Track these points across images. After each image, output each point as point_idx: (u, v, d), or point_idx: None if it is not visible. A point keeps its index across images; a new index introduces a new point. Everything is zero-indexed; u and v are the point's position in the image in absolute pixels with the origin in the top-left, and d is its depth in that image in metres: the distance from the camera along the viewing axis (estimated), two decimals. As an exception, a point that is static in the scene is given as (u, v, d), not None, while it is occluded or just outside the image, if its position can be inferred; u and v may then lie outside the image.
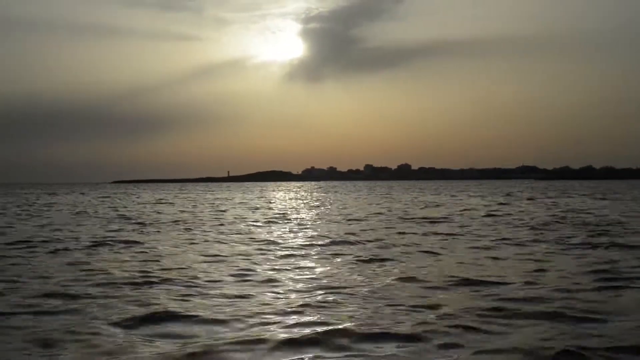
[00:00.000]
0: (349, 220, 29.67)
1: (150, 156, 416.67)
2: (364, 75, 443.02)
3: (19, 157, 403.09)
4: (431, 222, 27.84)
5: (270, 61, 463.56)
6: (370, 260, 14.81)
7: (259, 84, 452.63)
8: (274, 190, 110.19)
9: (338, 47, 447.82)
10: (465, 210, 37.12)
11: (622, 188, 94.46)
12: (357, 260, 14.88)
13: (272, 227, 25.91)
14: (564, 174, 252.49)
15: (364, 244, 18.63)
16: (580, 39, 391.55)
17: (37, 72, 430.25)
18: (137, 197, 72.25)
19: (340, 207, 43.24)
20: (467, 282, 11.68)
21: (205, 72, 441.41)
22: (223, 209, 42.83)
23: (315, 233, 22.69)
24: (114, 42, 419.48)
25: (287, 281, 12.11)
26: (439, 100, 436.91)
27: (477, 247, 17.50)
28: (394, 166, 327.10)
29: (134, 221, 30.08)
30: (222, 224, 27.76)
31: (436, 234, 21.93)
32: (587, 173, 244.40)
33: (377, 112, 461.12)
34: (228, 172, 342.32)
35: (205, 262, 14.89)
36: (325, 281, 11.99)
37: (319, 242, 19.16)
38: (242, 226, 26.76)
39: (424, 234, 21.77)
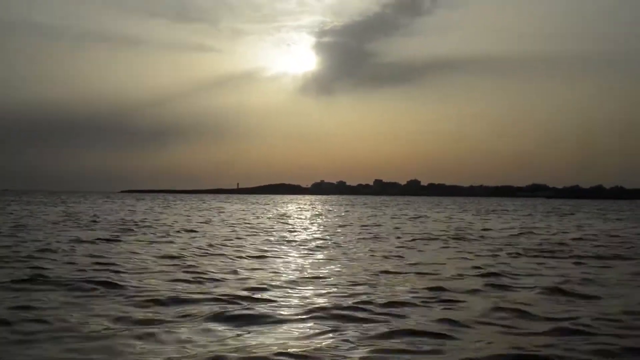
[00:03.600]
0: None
1: (159, 166, 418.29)
2: (376, 90, 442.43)
3: (29, 164, 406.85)
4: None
5: (284, 73, 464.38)
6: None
7: (272, 96, 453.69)
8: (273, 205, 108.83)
9: (351, 61, 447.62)
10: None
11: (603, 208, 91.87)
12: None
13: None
14: (573, 192, 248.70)
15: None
16: (596, 59, 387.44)
17: (52, 80, 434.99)
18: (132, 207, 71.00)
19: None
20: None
21: (218, 83, 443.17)
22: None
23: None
24: (129, 52, 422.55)
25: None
26: (450, 116, 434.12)
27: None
28: (403, 182, 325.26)
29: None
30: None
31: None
32: (597, 192, 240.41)
33: (388, 127, 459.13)
34: (237, 184, 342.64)
35: None
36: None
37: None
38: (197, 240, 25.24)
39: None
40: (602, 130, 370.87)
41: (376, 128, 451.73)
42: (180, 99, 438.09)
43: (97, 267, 14.53)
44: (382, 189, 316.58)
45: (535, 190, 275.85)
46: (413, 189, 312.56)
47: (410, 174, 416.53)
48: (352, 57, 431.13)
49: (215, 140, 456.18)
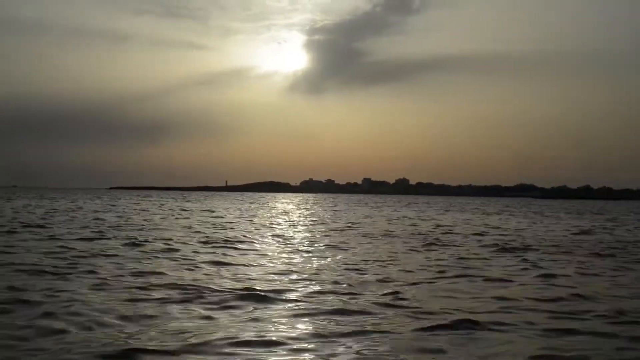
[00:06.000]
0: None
1: (149, 163, 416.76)
2: (365, 88, 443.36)
3: (17, 160, 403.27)
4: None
5: (274, 72, 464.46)
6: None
7: (262, 94, 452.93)
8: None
9: (341, 59, 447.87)
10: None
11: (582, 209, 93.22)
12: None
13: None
14: (561, 193, 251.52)
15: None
16: (586, 58, 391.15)
17: (40, 75, 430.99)
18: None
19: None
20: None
21: (208, 80, 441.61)
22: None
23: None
24: (119, 48, 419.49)
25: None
26: (439, 115, 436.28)
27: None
28: (392, 180, 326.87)
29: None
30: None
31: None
32: (584, 193, 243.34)
33: (377, 126, 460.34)
34: (226, 181, 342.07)
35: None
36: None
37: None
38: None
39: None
40: (591, 131, 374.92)
41: (365, 127, 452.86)
42: (169, 96, 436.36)
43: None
44: (371, 187, 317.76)
45: (523, 190, 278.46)
46: (402, 187, 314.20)
47: (399, 172, 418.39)
48: (342, 56, 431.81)
49: (204, 137, 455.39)
